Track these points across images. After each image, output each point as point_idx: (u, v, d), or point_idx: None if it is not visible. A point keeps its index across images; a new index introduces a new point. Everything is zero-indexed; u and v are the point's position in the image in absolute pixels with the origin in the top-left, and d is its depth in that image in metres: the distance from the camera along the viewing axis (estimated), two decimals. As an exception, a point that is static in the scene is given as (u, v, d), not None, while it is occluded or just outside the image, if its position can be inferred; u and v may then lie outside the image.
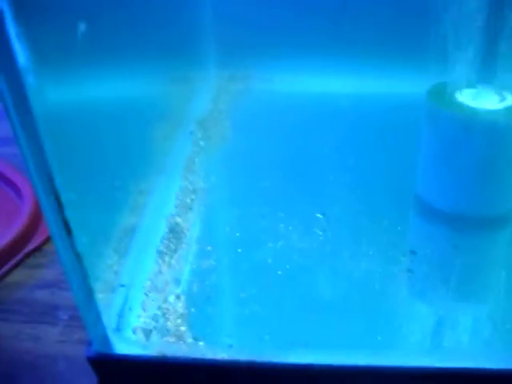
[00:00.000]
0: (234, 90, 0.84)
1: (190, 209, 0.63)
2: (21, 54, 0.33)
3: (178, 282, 0.54)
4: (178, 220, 0.62)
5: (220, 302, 0.53)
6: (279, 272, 0.55)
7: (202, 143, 0.72)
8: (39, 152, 0.35)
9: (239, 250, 0.59)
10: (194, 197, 0.64)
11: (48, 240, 0.65)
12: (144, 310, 0.51)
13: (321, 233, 0.60)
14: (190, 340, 0.48)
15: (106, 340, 0.45)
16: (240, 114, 0.79)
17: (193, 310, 0.52)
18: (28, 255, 0.64)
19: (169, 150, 0.68)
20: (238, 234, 0.61)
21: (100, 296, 0.44)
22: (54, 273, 0.62)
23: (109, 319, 0.46)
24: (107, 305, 0.47)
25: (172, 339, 0.48)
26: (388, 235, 0.59)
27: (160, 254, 0.58)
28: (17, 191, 0.69)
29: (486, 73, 0.56)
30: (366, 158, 0.69)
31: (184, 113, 0.76)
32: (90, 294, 0.43)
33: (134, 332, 0.49)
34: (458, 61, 0.54)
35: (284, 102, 0.80)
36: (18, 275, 0.62)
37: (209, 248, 0.59)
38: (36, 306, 0.58)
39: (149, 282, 0.54)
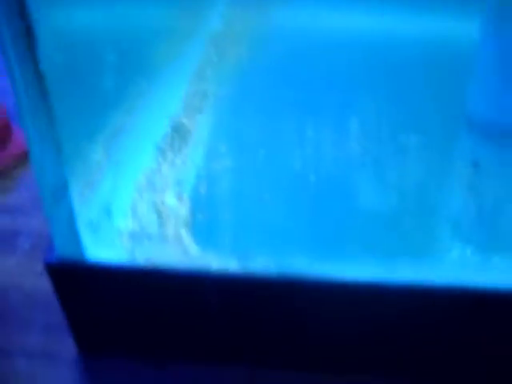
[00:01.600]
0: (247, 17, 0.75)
1: (200, 112, 0.55)
2: None
3: (180, 182, 0.44)
4: (184, 121, 0.55)
5: (229, 209, 0.43)
6: (302, 181, 0.47)
7: (214, 58, 0.61)
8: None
9: (256, 154, 0.49)
10: (204, 101, 0.56)
11: (17, 165, 0.58)
12: (134, 210, 0.38)
13: (357, 145, 0.50)
14: (192, 249, 0.38)
15: (76, 243, 0.31)
16: (255, 37, 0.70)
17: (197, 215, 0.41)
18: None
19: (177, 58, 0.61)
20: (254, 138, 0.51)
21: (75, 190, 0.35)
22: (20, 197, 0.55)
23: (84, 218, 0.36)
24: (84, 201, 0.37)
25: (169, 247, 0.38)
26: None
27: (161, 151, 0.49)
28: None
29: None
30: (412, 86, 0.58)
31: (196, 31, 0.68)
32: (62, 184, 0.33)
33: (119, 235, 0.38)
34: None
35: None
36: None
37: (218, 149, 0.50)
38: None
39: (144, 180, 0.40)
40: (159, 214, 0.39)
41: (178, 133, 0.51)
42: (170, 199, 0.41)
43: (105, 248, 0.36)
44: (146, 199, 0.41)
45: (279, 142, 0.52)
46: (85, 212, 0.36)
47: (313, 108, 0.57)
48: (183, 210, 0.41)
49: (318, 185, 0.46)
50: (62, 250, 0.34)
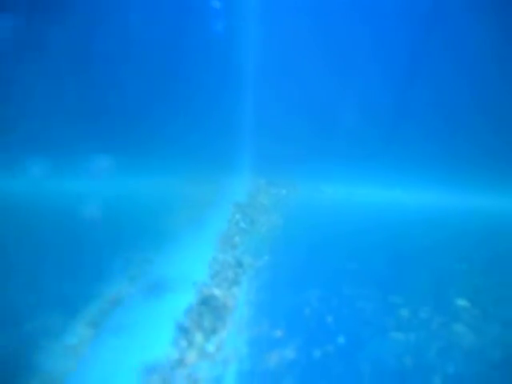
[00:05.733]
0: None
1: (236, 284, 0.54)
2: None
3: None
4: (216, 292, 0.51)
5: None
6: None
7: (242, 225, 0.68)
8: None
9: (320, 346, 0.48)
10: (240, 271, 0.56)
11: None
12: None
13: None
14: None
15: None
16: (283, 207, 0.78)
17: None
18: None
19: (199, 224, 0.62)
20: (312, 321, 0.51)
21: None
22: None
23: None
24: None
25: None
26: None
27: (183, 331, 0.45)
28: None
29: None
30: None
31: (222, 200, 0.73)
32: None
33: None
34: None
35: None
36: None
37: (272, 335, 0.46)
38: None
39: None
40: None
41: (209, 307, 0.48)
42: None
43: None
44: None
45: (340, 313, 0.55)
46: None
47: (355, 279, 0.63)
48: None
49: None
50: None
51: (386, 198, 0.87)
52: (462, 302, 0.55)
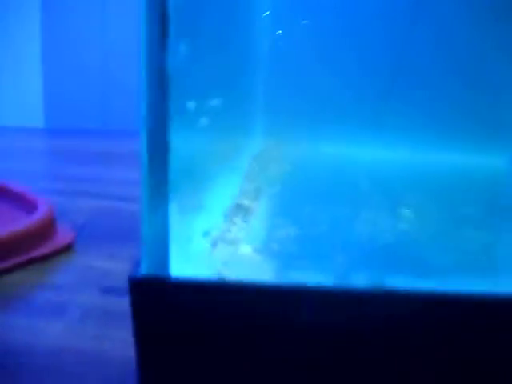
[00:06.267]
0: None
1: (256, 199, 0.52)
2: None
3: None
4: (245, 202, 0.53)
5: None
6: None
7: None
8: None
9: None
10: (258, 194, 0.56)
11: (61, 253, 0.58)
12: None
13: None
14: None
15: (164, 261, 0.28)
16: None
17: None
18: (32, 261, 0.56)
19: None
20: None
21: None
22: (66, 278, 0.53)
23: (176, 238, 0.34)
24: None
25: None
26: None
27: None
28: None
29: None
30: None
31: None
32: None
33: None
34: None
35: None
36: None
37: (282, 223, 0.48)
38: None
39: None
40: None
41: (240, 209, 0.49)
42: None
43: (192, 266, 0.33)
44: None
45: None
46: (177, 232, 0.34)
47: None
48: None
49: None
50: (149, 267, 0.31)
51: (388, 158, 0.79)
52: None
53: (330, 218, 0.49)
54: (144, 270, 0.31)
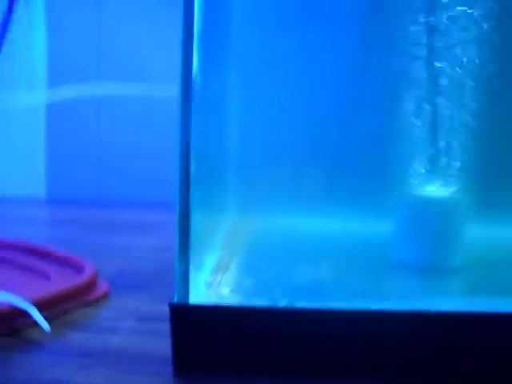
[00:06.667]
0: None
1: None
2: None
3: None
4: None
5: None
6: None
7: None
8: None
9: None
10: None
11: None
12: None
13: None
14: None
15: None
16: None
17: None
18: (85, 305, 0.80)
19: None
20: None
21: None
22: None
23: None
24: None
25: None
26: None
27: None
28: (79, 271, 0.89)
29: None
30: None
31: None
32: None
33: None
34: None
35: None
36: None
37: None
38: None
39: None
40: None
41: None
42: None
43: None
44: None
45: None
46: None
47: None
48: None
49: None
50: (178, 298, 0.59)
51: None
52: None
53: (278, 269, 0.73)
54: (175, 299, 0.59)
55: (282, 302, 0.60)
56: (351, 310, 0.59)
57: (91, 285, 0.84)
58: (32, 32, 1.55)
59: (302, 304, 0.60)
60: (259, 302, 0.60)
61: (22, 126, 1.57)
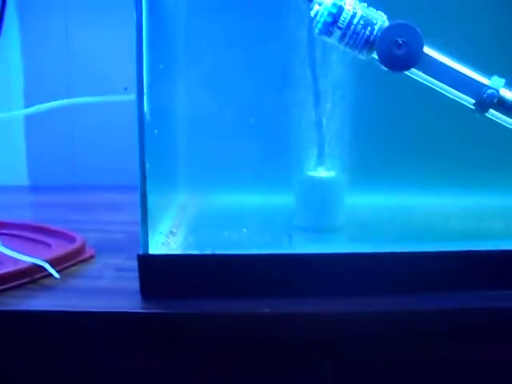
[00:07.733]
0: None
1: None
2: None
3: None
4: None
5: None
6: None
7: None
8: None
9: None
10: None
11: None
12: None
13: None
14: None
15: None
16: None
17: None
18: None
19: None
20: None
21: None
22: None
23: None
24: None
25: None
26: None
27: None
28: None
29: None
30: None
31: None
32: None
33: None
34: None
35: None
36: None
37: None
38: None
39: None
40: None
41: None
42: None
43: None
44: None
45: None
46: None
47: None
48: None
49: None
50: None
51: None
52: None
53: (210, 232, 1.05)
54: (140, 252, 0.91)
55: (208, 251, 0.92)
56: (261, 255, 0.92)
57: (81, 250, 1.10)
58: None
59: (221, 252, 0.93)
60: (194, 251, 0.93)
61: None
